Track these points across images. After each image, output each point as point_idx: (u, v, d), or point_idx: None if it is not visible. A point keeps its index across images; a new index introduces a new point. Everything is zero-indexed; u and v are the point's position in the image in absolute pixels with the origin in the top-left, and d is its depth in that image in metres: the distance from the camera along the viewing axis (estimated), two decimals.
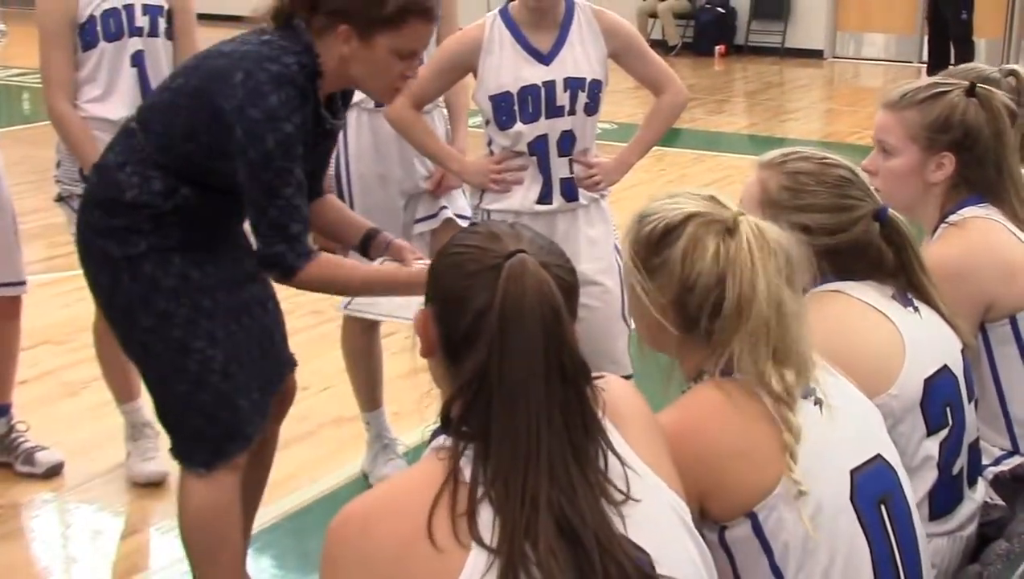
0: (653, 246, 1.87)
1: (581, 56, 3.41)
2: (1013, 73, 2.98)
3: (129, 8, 3.75)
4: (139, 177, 2.66)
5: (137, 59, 3.77)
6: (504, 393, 1.51)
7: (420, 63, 2.71)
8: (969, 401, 2.30)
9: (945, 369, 2.23)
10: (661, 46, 14.31)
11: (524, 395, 1.51)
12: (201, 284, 2.69)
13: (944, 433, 2.22)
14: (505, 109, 3.38)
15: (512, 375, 1.51)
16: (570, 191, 3.45)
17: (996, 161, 2.60)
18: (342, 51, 2.58)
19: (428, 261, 2.82)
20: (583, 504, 1.49)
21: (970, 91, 2.59)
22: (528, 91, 3.37)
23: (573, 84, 3.39)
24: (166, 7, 3.82)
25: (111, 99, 3.75)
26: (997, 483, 2.46)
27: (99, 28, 3.71)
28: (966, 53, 11.16)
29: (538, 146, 3.41)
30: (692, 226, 1.84)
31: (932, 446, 2.20)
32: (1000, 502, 2.41)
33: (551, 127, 3.40)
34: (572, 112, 3.40)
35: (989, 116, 2.58)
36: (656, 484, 1.62)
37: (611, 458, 1.56)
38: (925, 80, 2.70)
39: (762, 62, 13.92)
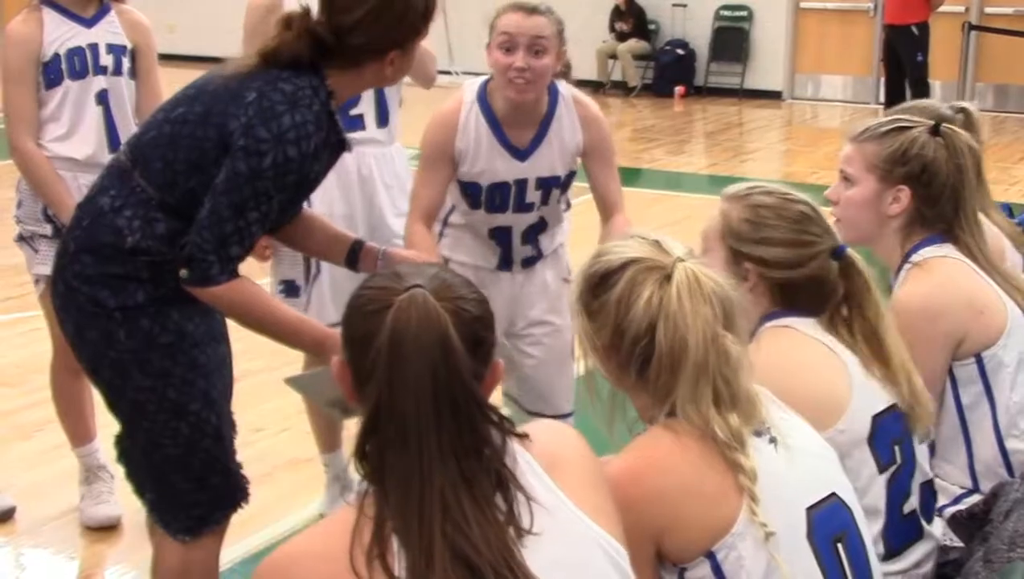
0: (593, 289, 1.90)
1: (557, 154, 3.31)
2: (963, 111, 3.03)
3: (94, 47, 3.74)
4: (140, 221, 2.50)
5: (102, 97, 3.75)
6: (394, 428, 1.53)
7: None
8: (920, 441, 2.31)
9: (895, 406, 2.25)
10: (621, 87, 14.43)
11: (415, 429, 1.52)
12: (196, 338, 2.55)
13: (892, 471, 2.23)
14: (472, 197, 3.33)
15: (401, 409, 1.52)
16: (531, 262, 3.42)
17: (954, 199, 2.63)
18: (385, 74, 2.54)
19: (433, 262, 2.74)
20: (478, 536, 1.51)
21: (934, 130, 2.63)
22: (498, 187, 3.30)
23: (546, 183, 3.32)
24: (129, 47, 3.81)
25: (75, 138, 3.73)
26: (954, 522, 2.46)
27: (64, 66, 3.69)
28: (922, 95, 11.27)
29: (501, 236, 3.37)
30: (630, 272, 1.86)
31: (880, 483, 2.22)
32: (959, 543, 2.42)
33: (516, 221, 3.35)
34: (544, 204, 3.35)
35: (950, 155, 2.62)
36: (573, 519, 1.62)
37: (516, 491, 1.57)
38: (892, 116, 2.74)
39: (721, 103, 14.03)
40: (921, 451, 2.32)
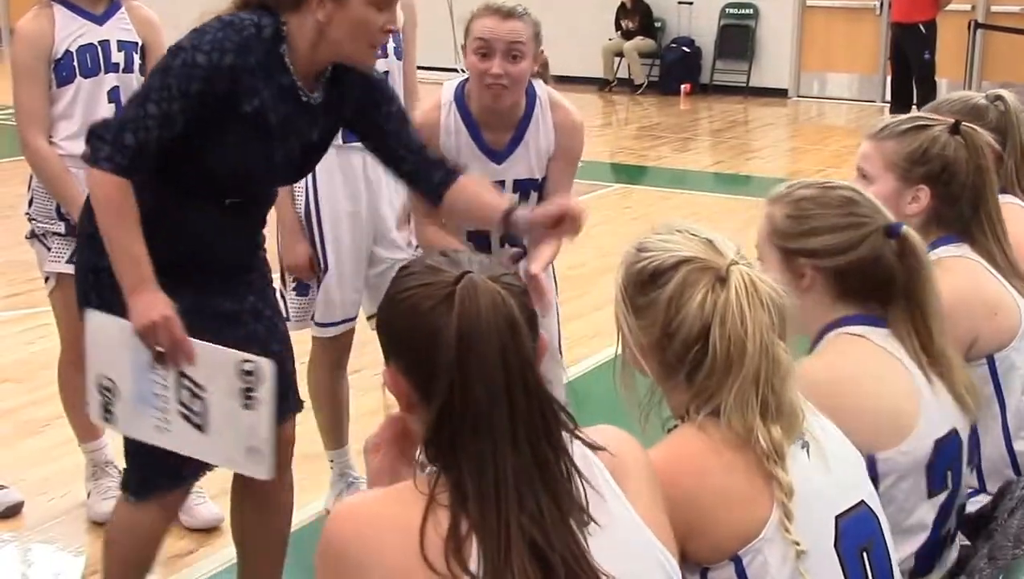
0: (641, 286, 1.85)
1: (534, 157, 3.29)
2: (1000, 98, 3.00)
3: (105, 44, 3.74)
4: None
5: (114, 95, 3.75)
6: (467, 417, 1.51)
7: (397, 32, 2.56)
8: (968, 466, 2.27)
9: (954, 432, 2.20)
10: (627, 85, 14.42)
11: (487, 415, 1.51)
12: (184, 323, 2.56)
13: (943, 497, 2.19)
14: None
15: (473, 397, 1.50)
16: (513, 262, 3.41)
17: (973, 200, 2.59)
18: (318, 19, 2.53)
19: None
20: (551, 527, 1.50)
21: (954, 129, 2.58)
22: None
23: (524, 185, 3.30)
24: (140, 44, 3.82)
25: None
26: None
27: (75, 63, 3.68)
28: (928, 93, 11.27)
29: (479, 240, 3.32)
30: (683, 272, 1.81)
31: (930, 508, 2.18)
32: (964, 542, 2.42)
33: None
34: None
35: (970, 155, 2.57)
36: (637, 531, 1.60)
37: (576, 477, 1.56)
38: (912, 114, 2.70)
39: (727, 101, 14.02)
40: (966, 475, 2.27)
